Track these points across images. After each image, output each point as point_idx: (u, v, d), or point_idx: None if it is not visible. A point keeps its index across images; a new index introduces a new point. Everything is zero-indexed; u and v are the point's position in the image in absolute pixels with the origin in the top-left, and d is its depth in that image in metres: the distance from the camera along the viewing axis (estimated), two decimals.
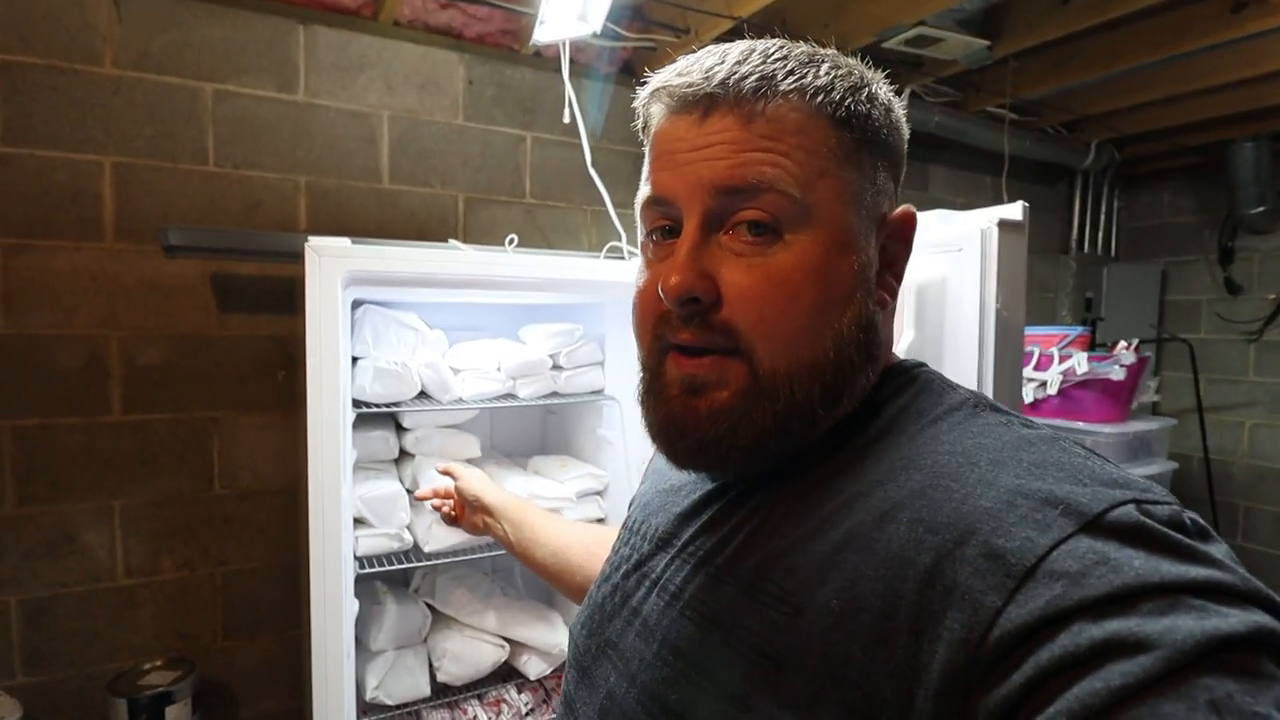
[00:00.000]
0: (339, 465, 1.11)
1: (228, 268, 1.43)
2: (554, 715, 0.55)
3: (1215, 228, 2.77)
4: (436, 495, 0.99)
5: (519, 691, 1.50)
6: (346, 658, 1.15)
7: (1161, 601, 0.29)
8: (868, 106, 0.44)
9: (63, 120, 1.29)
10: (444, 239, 1.55)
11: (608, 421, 1.59)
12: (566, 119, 1.56)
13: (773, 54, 0.43)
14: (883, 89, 0.46)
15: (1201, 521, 0.34)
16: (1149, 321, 2.88)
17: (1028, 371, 1.91)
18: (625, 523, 0.60)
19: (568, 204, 1.80)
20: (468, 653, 1.43)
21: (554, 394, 1.53)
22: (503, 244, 1.39)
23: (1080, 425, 1.97)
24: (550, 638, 1.48)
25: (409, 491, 1.39)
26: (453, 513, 0.97)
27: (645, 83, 0.46)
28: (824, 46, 0.47)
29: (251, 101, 1.44)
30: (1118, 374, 1.85)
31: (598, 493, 1.57)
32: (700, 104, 0.43)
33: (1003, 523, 0.33)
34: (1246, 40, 1.74)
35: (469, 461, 1.45)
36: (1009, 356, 0.79)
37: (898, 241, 0.47)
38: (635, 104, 0.48)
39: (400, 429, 1.52)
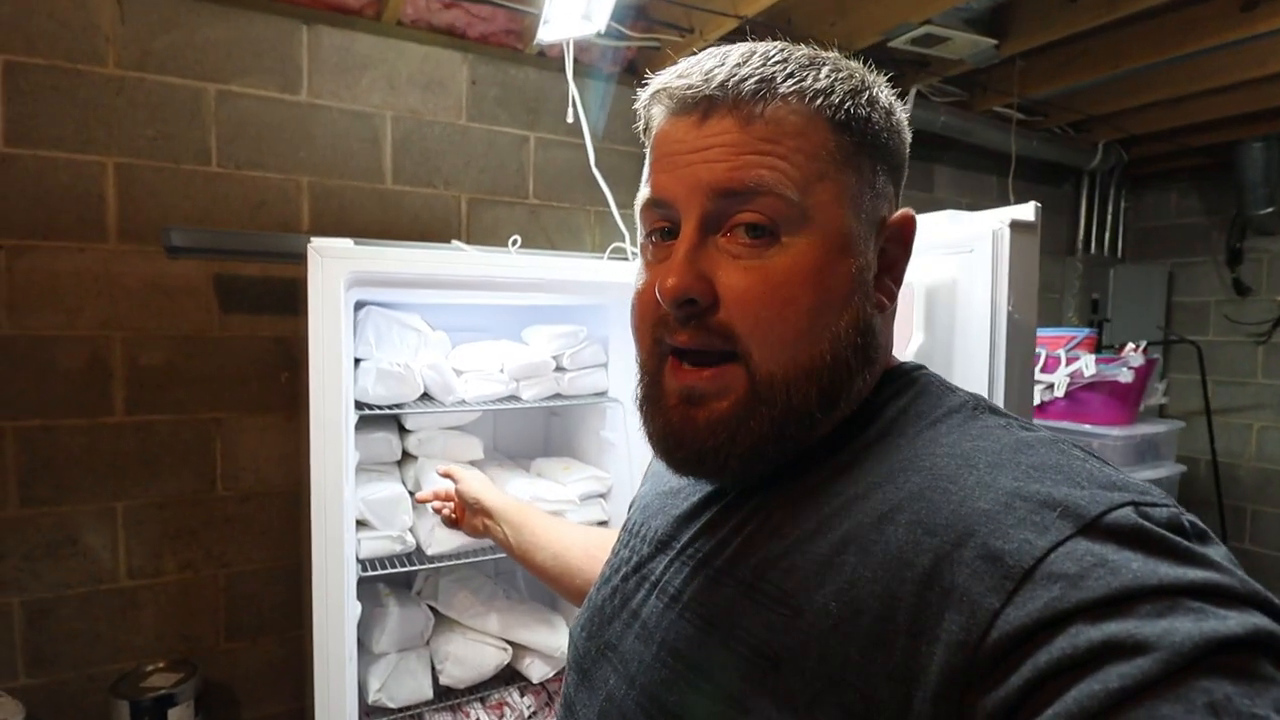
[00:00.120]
0: (341, 467, 1.10)
1: (230, 269, 1.43)
2: (555, 718, 0.54)
3: (1223, 229, 2.75)
4: (437, 497, 0.99)
5: (521, 694, 1.49)
6: (349, 660, 1.14)
7: (1160, 604, 0.29)
8: (868, 110, 0.44)
9: (66, 121, 1.29)
10: (447, 240, 1.54)
11: (611, 424, 1.58)
12: (570, 119, 1.55)
13: (773, 56, 0.43)
14: (884, 92, 0.46)
15: (1200, 524, 0.34)
16: (1156, 323, 2.86)
17: (1034, 374, 1.90)
18: (625, 525, 0.59)
19: (571, 205, 1.79)
20: (470, 655, 1.43)
21: (557, 396, 1.53)
22: (506, 245, 1.38)
23: (1087, 428, 1.95)
24: (553, 640, 1.47)
25: (411, 494, 1.38)
26: (453, 515, 0.97)
27: (647, 84, 0.46)
28: (829, 46, 0.47)
29: (254, 102, 1.43)
30: (1126, 376, 1.83)
31: (601, 495, 1.56)
32: (700, 106, 0.43)
33: (1001, 525, 0.33)
34: (1255, 40, 1.72)
35: (471, 463, 1.45)
36: (1020, 359, 0.78)
37: (897, 245, 0.47)
38: (636, 106, 0.48)
39: (403, 431, 1.51)
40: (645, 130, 0.48)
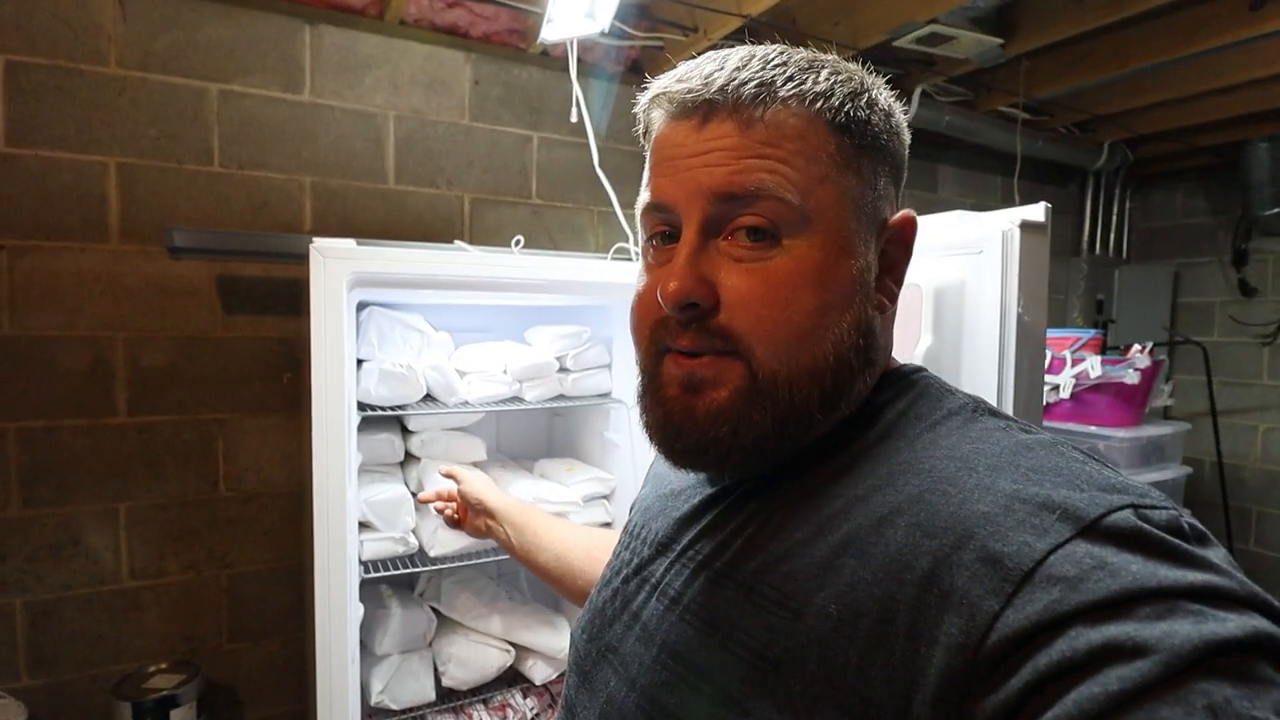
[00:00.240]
0: (344, 468, 1.10)
1: (233, 269, 1.43)
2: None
3: (1229, 229, 2.73)
4: (439, 498, 1.00)
5: (524, 696, 1.49)
6: (351, 662, 1.14)
7: (1159, 606, 0.29)
8: (868, 112, 0.44)
9: (67, 121, 1.29)
10: (450, 240, 1.54)
11: (614, 425, 1.57)
12: (574, 118, 1.55)
13: (772, 60, 0.43)
14: (883, 94, 0.46)
15: (1200, 526, 0.34)
16: (1161, 324, 2.85)
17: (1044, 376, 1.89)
18: (626, 527, 0.60)
19: (574, 205, 1.79)
20: (473, 657, 1.42)
21: (560, 397, 1.52)
22: (509, 245, 1.38)
23: (1093, 429, 1.94)
24: (556, 642, 1.46)
25: (414, 495, 1.38)
26: (455, 515, 0.98)
27: (647, 88, 0.47)
28: (834, 45, 0.46)
29: (257, 102, 1.43)
30: (1132, 378, 1.82)
31: (604, 496, 1.56)
32: (699, 110, 0.43)
33: (1000, 527, 0.33)
34: (1263, 39, 1.71)
35: (474, 464, 1.44)
36: (1030, 361, 0.77)
37: (898, 246, 0.47)
38: (636, 110, 0.48)
39: (405, 432, 1.51)
40: (645, 134, 0.48)
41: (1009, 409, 0.79)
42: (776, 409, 0.42)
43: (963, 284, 0.83)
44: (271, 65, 1.44)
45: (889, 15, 1.59)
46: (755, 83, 0.42)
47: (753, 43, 0.46)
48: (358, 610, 1.23)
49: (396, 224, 1.58)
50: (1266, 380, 2.68)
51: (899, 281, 0.48)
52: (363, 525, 1.33)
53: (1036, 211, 0.77)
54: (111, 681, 1.31)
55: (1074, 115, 2.32)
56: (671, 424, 0.44)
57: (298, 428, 1.49)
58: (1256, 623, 0.28)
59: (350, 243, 1.13)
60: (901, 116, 0.47)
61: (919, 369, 0.49)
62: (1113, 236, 2.86)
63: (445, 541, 1.35)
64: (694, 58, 0.45)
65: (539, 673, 1.47)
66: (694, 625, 0.43)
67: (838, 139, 0.43)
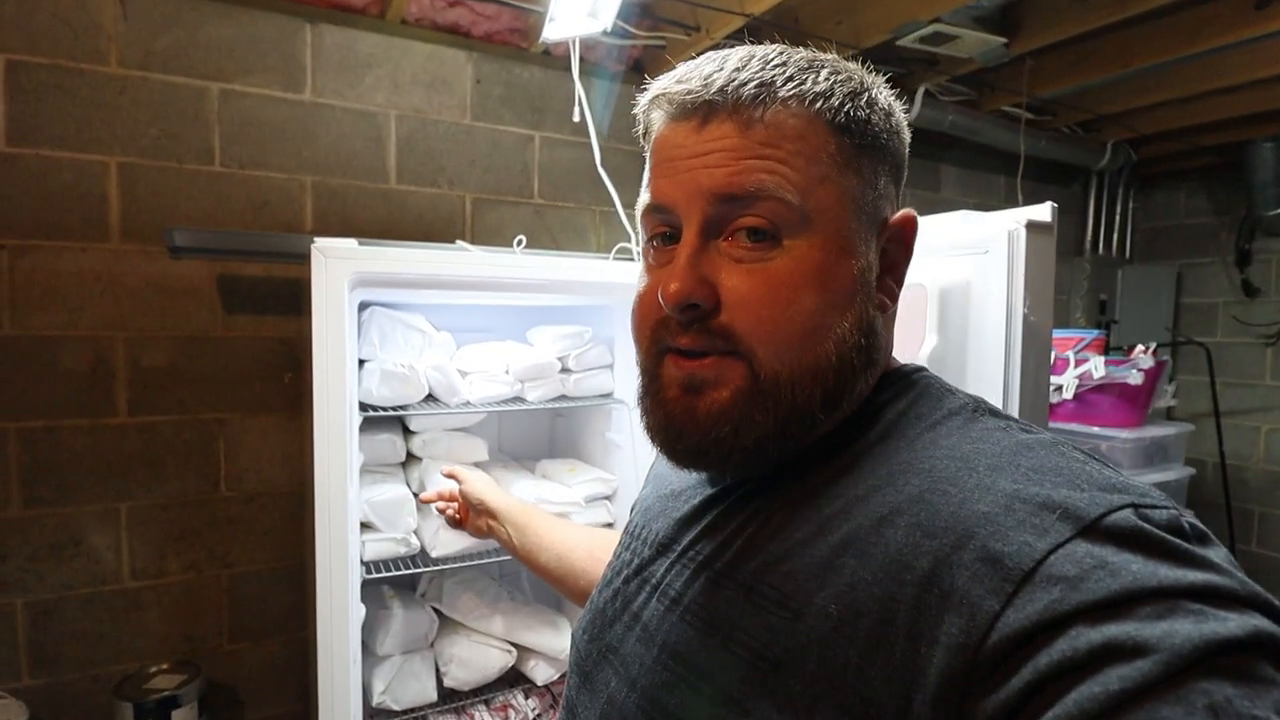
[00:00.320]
0: (345, 469, 1.09)
1: (234, 269, 1.42)
2: None
3: (1232, 229, 2.72)
4: (441, 498, 1.01)
5: (526, 697, 1.49)
6: (353, 663, 1.14)
7: (1159, 606, 0.29)
8: (867, 112, 0.44)
9: (68, 120, 1.28)
10: (451, 240, 1.53)
11: (616, 425, 1.57)
12: (576, 118, 1.54)
13: (772, 60, 0.43)
14: (883, 93, 0.46)
15: (1200, 525, 0.34)
16: (1164, 324, 2.84)
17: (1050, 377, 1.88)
18: (627, 527, 0.60)
19: (576, 204, 1.78)
20: (475, 658, 1.42)
21: (562, 397, 1.52)
22: (510, 245, 1.37)
23: (1096, 430, 1.94)
24: (557, 643, 1.46)
25: (415, 495, 1.37)
26: (457, 515, 0.98)
27: (646, 89, 0.47)
28: (835, 45, 0.46)
29: (258, 101, 1.42)
30: (1135, 378, 1.82)
31: (606, 497, 1.55)
32: (699, 111, 0.43)
33: (1000, 527, 0.33)
34: (1268, 38, 1.70)
35: (476, 465, 1.44)
36: (1035, 362, 0.76)
37: (898, 245, 0.47)
38: (635, 111, 0.48)
39: (407, 432, 1.50)
40: (645, 135, 0.48)
41: (1014, 410, 0.79)
42: (779, 409, 0.42)
43: (968, 284, 0.82)
44: (272, 65, 1.43)
45: (892, 14, 1.58)
46: (755, 83, 0.42)
47: (753, 42, 0.46)
48: (359, 611, 1.23)
49: (398, 224, 1.57)
50: (1269, 381, 2.68)
51: (900, 281, 0.48)
52: (364, 526, 1.32)
53: (1043, 211, 0.77)
54: (113, 682, 1.31)
55: (1077, 115, 2.31)
56: (673, 425, 0.44)
57: (299, 428, 1.49)
58: (1257, 622, 0.28)
59: (352, 242, 1.12)
60: (902, 116, 0.47)
61: (919, 369, 0.49)
62: (1116, 236, 2.85)
63: (447, 542, 1.35)
64: (695, 58, 0.45)
65: (541, 673, 1.46)
66: (694, 626, 0.44)
67: (838, 139, 0.43)
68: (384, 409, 1.34)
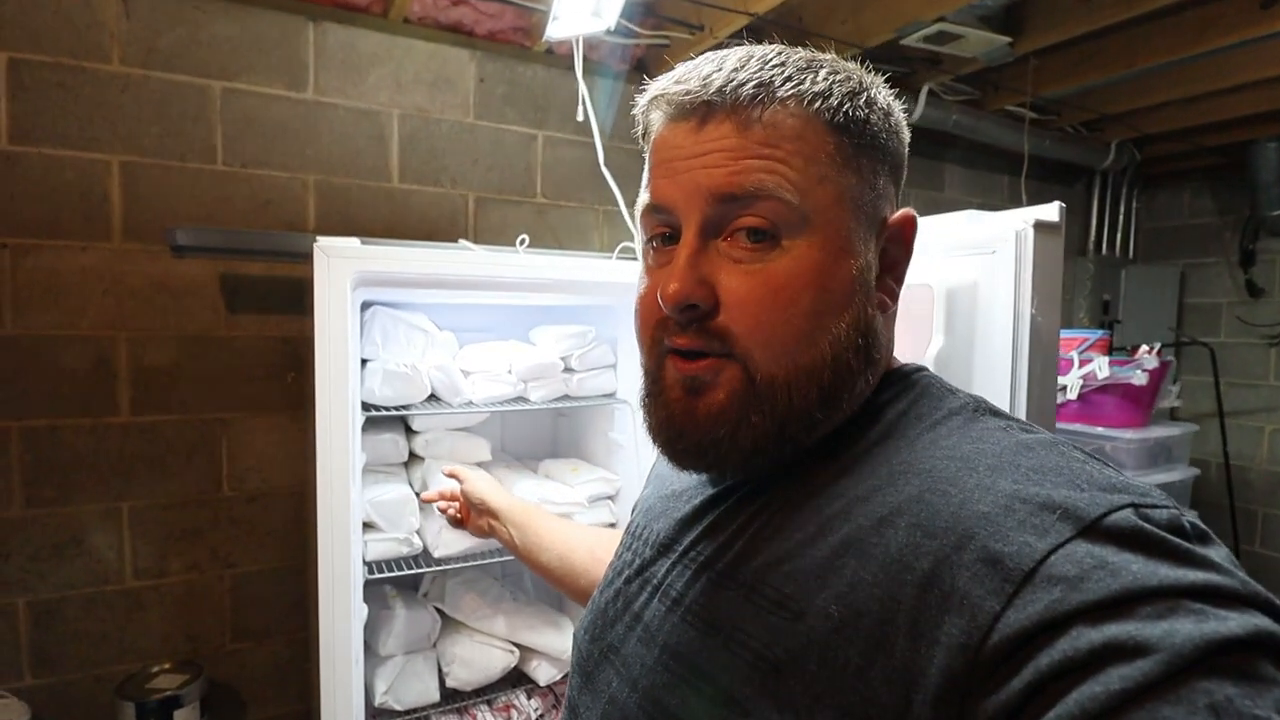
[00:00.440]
0: (348, 469, 1.09)
1: (236, 268, 1.42)
2: None
3: (1236, 229, 2.72)
4: (442, 497, 1.01)
5: (529, 697, 1.48)
6: (355, 663, 1.13)
7: (1160, 605, 0.29)
8: (866, 111, 0.44)
9: (70, 118, 1.28)
10: (454, 239, 1.53)
11: (619, 425, 1.56)
12: (580, 117, 1.54)
13: (771, 60, 0.43)
14: (882, 92, 0.46)
15: (1201, 525, 0.34)
16: (1167, 324, 2.83)
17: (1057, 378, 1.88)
18: (628, 528, 0.60)
19: (580, 204, 1.78)
20: (477, 658, 1.42)
21: (565, 397, 1.51)
22: (513, 244, 1.37)
23: (1100, 430, 1.93)
24: (560, 643, 1.46)
25: (418, 495, 1.37)
26: (458, 515, 0.98)
27: (645, 90, 0.47)
28: (835, 44, 0.46)
29: (260, 100, 1.42)
30: (1140, 379, 1.81)
31: (609, 497, 1.55)
32: (697, 112, 0.43)
33: (1000, 527, 0.33)
34: (1273, 38, 1.69)
35: (479, 465, 1.43)
36: (1043, 363, 0.76)
37: (898, 245, 0.47)
38: (634, 111, 0.48)
39: (410, 432, 1.50)
40: (644, 135, 0.48)
41: (1021, 411, 0.78)
42: (776, 411, 0.42)
43: (975, 285, 0.82)
44: (275, 63, 1.43)
45: (896, 13, 1.58)
46: (753, 83, 0.42)
47: (752, 41, 0.46)
48: (362, 611, 1.22)
49: (400, 223, 1.57)
50: (1273, 381, 2.67)
51: (899, 280, 0.48)
52: (367, 526, 1.32)
53: (1050, 211, 0.77)
54: (115, 681, 1.31)
55: (1081, 114, 2.30)
56: (673, 425, 0.45)
57: (301, 427, 1.49)
58: (1258, 621, 0.28)
59: (354, 241, 1.12)
60: (901, 115, 0.47)
61: (920, 368, 0.49)
62: (1119, 236, 2.84)
63: (449, 542, 1.34)
64: (694, 58, 0.45)
65: (543, 673, 1.46)
66: (695, 626, 0.44)
67: (836, 138, 0.43)
68: (386, 409, 1.33)
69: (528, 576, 1.67)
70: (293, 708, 1.53)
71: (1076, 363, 1.87)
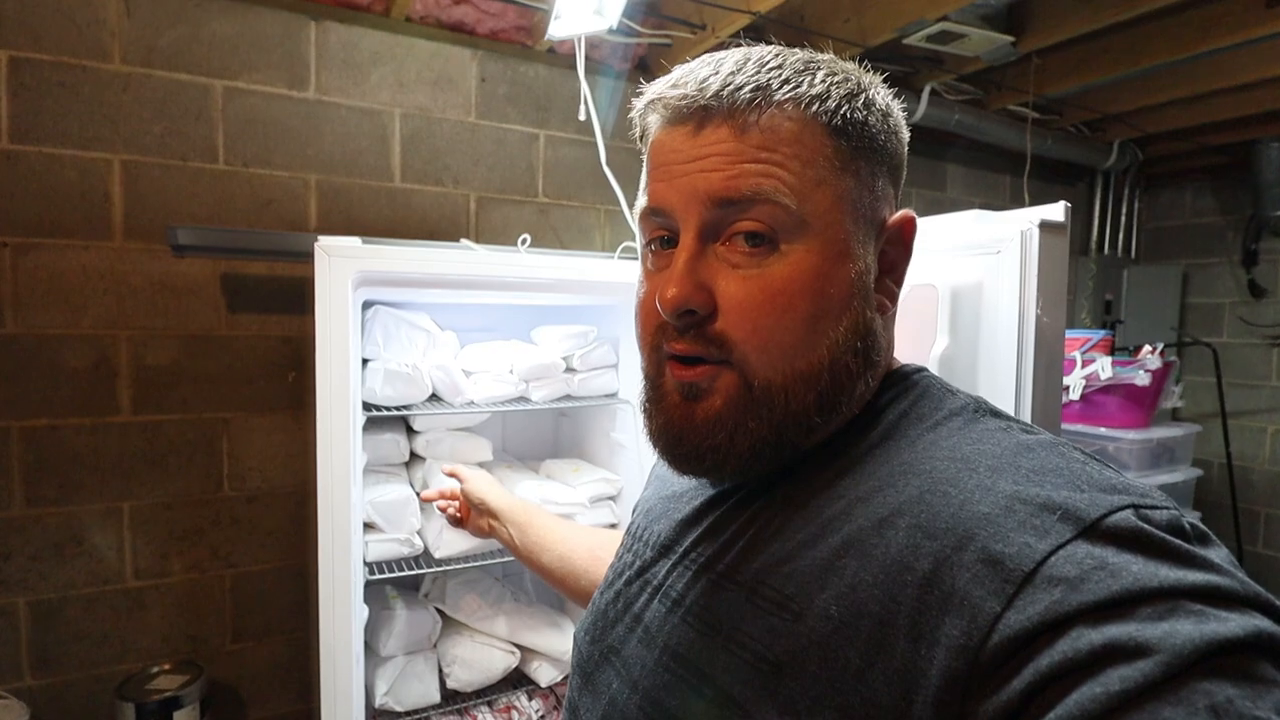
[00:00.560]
0: (349, 469, 1.09)
1: (237, 267, 1.42)
2: None
3: (1239, 229, 2.71)
4: (442, 496, 1.01)
5: (529, 698, 1.48)
6: (355, 663, 1.13)
7: (1160, 606, 0.29)
8: (864, 113, 0.44)
9: (71, 117, 1.28)
10: (456, 239, 1.52)
11: (621, 425, 1.56)
12: (582, 116, 1.53)
13: (768, 63, 0.43)
14: (880, 93, 0.46)
15: (1201, 526, 0.34)
16: (1169, 325, 2.83)
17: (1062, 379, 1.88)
18: (629, 529, 0.60)
19: (581, 203, 1.78)
20: (478, 659, 1.41)
21: (567, 397, 1.51)
22: (515, 244, 1.36)
23: (1103, 431, 1.93)
24: (561, 644, 1.45)
25: (418, 495, 1.37)
26: (458, 514, 0.99)
27: (643, 93, 0.47)
28: (833, 43, 0.46)
29: (262, 99, 1.42)
30: (1142, 379, 1.81)
31: (610, 497, 1.55)
32: (694, 116, 0.43)
33: (1001, 528, 0.34)
34: (1277, 37, 1.69)
35: (480, 465, 1.43)
36: (1048, 364, 0.76)
37: (897, 246, 0.47)
38: (632, 115, 0.48)
39: (411, 432, 1.50)
40: (641, 138, 0.48)
41: (1026, 412, 0.78)
42: (773, 416, 0.42)
43: (980, 285, 0.81)
44: (276, 62, 1.43)
45: (899, 12, 1.57)
46: (750, 87, 0.41)
47: (754, 41, 0.46)
48: (362, 611, 1.22)
49: (402, 222, 1.57)
50: (1275, 382, 2.67)
51: (899, 282, 0.48)
52: (367, 526, 1.32)
53: (1056, 211, 0.76)
54: (115, 682, 1.31)
55: (1083, 114, 2.30)
56: (673, 430, 0.45)
57: (302, 427, 1.48)
58: (1258, 622, 0.29)
59: (356, 241, 1.12)
60: (900, 116, 0.47)
61: (920, 369, 0.49)
62: (1121, 236, 2.84)
63: (450, 543, 1.34)
64: (695, 58, 0.45)
65: (544, 675, 1.46)
66: (696, 627, 0.44)
67: (834, 142, 0.42)
68: (387, 409, 1.33)
69: (528, 577, 1.67)
70: (293, 708, 1.52)
71: (1079, 363, 1.86)
